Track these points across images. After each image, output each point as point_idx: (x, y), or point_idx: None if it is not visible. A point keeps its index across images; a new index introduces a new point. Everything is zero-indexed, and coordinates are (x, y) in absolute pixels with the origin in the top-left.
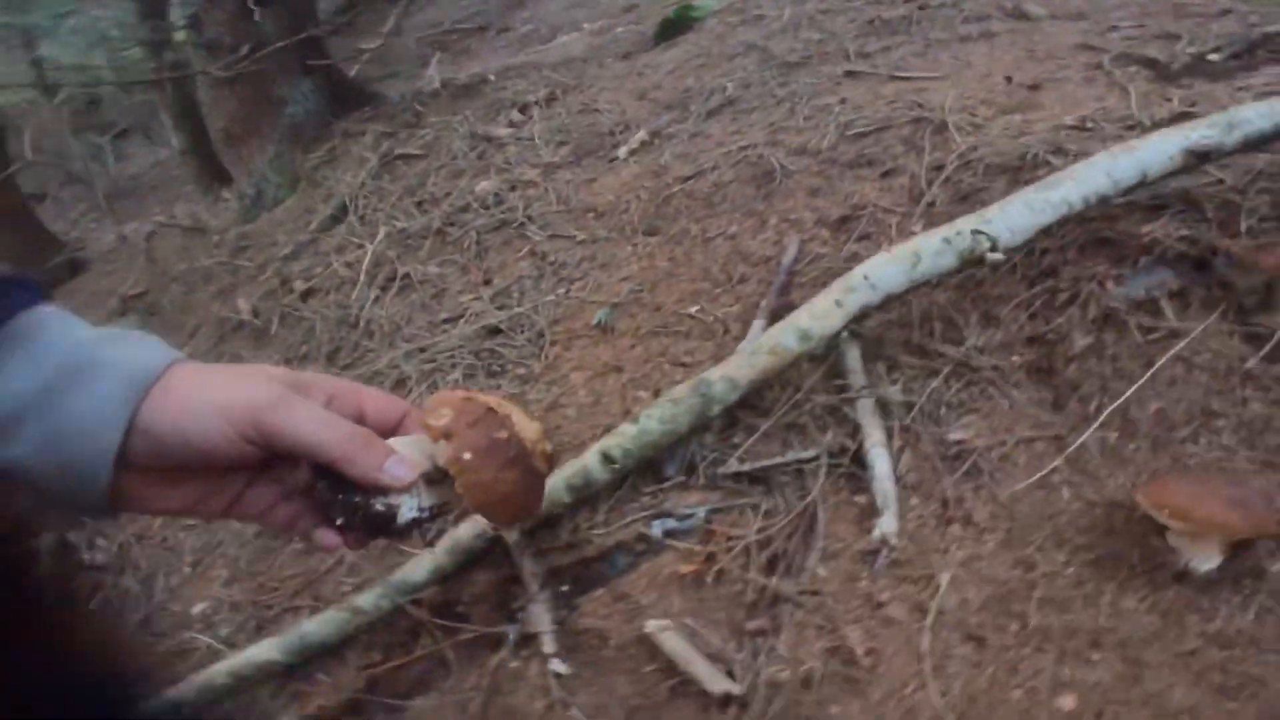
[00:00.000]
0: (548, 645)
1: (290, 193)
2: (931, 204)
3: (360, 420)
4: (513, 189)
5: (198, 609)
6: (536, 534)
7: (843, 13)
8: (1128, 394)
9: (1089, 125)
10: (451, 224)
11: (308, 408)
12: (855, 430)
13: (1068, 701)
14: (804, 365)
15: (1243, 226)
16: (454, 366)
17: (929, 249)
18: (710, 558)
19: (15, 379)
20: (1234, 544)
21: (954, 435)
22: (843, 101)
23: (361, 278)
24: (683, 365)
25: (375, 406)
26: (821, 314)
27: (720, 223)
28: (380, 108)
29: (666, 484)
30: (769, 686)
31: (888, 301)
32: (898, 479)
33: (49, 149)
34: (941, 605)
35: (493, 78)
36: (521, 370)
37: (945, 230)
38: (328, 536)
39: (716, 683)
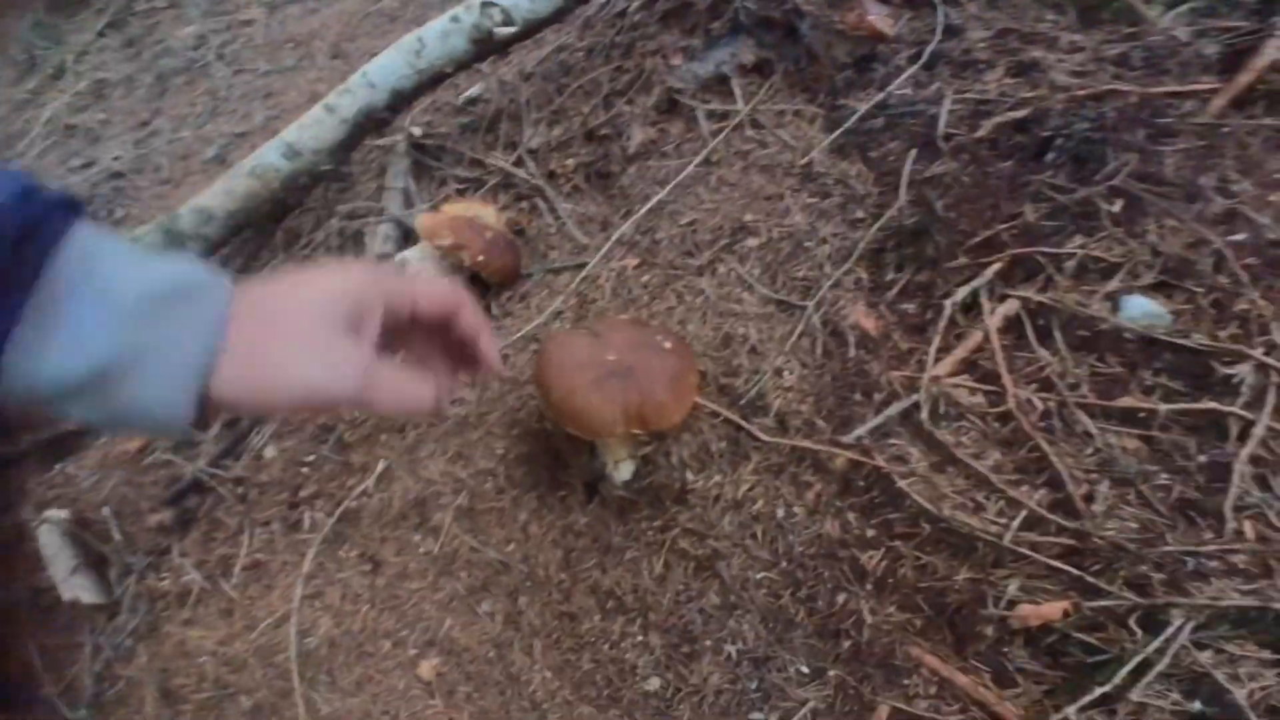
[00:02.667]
0: None
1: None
2: None
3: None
4: (225, 30)
5: None
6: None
7: None
8: (640, 211)
9: None
10: (146, 71)
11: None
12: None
13: (426, 669)
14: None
15: None
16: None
17: (435, 31)
18: None
19: (89, 340)
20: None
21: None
22: None
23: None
24: None
25: (425, 291)
26: (311, 123)
27: (374, 43)
28: None
29: None
30: (142, 599)
31: (398, 100)
32: None
33: None
34: (359, 506)
35: None
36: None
37: (456, 7)
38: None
39: (69, 590)
